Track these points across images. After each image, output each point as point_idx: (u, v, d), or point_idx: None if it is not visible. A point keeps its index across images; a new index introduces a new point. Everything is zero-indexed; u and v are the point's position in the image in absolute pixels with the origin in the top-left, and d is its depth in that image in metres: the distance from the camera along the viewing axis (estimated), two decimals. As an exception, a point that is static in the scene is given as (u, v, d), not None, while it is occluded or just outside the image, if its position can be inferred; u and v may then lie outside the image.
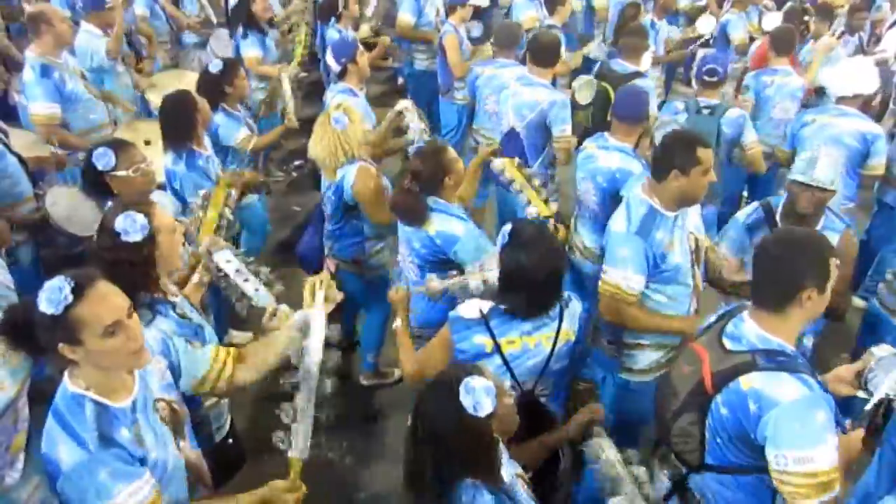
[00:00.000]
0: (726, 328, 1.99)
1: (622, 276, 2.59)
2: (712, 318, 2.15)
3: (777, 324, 1.89)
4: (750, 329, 1.92)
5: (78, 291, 1.61)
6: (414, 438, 1.68)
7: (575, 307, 2.32)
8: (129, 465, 1.68)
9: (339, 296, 2.21)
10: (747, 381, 1.82)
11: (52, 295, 1.59)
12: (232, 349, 2.20)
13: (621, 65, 4.59)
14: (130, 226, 2.07)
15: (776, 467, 1.76)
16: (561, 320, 2.26)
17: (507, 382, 2.24)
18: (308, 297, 2.22)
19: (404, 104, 3.87)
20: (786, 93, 4.64)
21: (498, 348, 2.23)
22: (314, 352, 2.11)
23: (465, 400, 1.60)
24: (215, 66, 3.96)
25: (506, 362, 2.24)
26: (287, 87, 4.68)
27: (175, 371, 2.05)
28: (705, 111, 4.01)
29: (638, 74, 4.47)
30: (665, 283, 2.66)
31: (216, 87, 3.94)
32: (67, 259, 3.18)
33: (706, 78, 4.06)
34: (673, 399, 2.05)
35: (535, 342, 2.25)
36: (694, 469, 2.03)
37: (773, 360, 1.83)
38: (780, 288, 1.87)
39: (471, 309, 2.29)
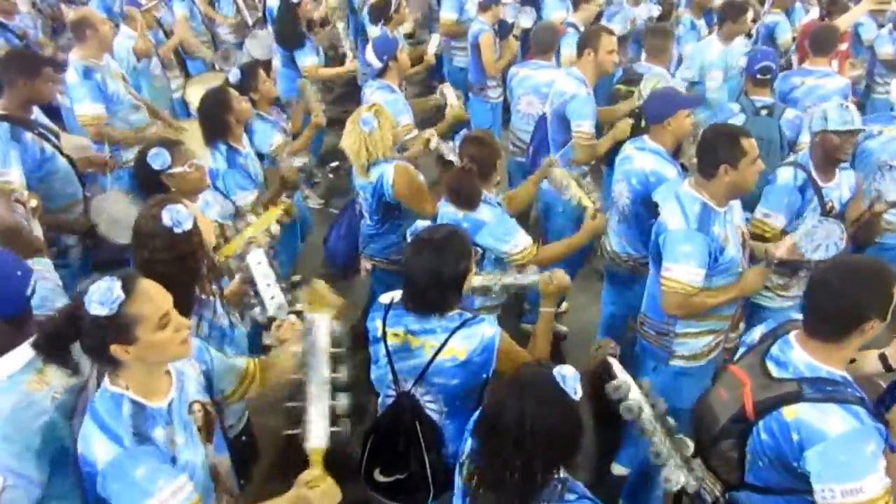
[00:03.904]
0: (771, 351, 1.93)
1: (686, 272, 2.59)
2: (755, 338, 2.09)
3: (831, 352, 1.84)
4: (798, 357, 1.87)
5: (127, 289, 1.65)
6: (516, 439, 1.63)
7: (480, 331, 2.20)
8: (164, 463, 1.69)
9: (338, 302, 2.21)
10: (792, 411, 1.78)
11: (104, 297, 1.62)
12: (259, 362, 2.21)
13: (645, 67, 4.46)
14: (178, 216, 2.09)
15: (823, 500, 1.71)
16: (452, 335, 2.18)
17: (389, 376, 2.29)
18: (306, 305, 2.18)
19: (430, 132, 3.84)
20: (818, 96, 4.33)
21: (384, 336, 2.27)
22: (320, 351, 2.06)
23: (567, 387, 1.64)
24: (234, 76, 3.88)
25: (388, 352, 2.26)
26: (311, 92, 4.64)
27: (209, 379, 2.06)
28: (763, 112, 3.89)
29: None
30: (718, 275, 2.69)
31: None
32: (118, 264, 3.20)
33: (759, 76, 3.95)
34: (712, 424, 2.02)
35: (418, 345, 2.22)
36: (733, 486, 1.99)
37: (821, 389, 1.78)
38: (842, 320, 1.81)
39: (387, 296, 2.34)
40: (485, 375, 2.23)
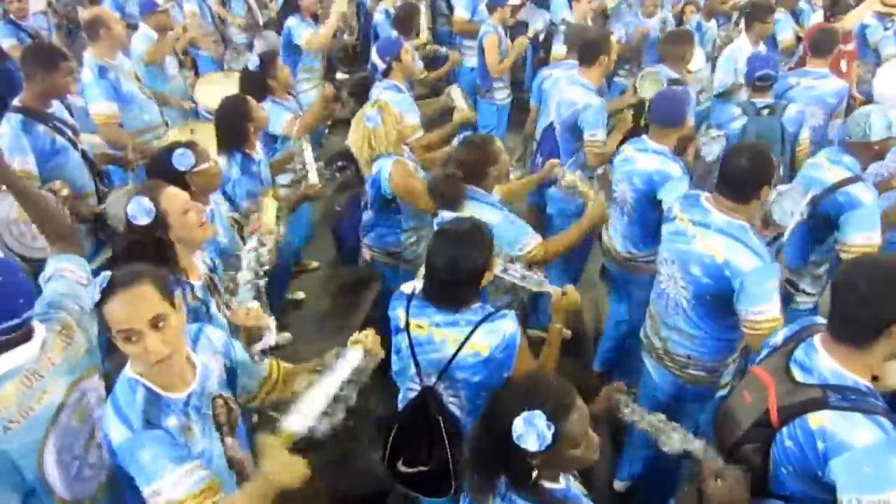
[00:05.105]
0: (795, 354, 1.90)
1: (777, 307, 2.43)
2: (778, 340, 2.05)
3: (857, 358, 1.79)
4: (824, 362, 1.82)
5: (108, 290, 1.67)
6: (484, 428, 1.67)
7: (502, 326, 2.18)
8: (175, 448, 1.73)
9: (381, 354, 2.18)
10: (817, 420, 1.74)
11: (92, 288, 1.70)
12: (282, 369, 2.25)
13: (663, 70, 4.44)
14: (138, 210, 2.17)
15: None
16: (476, 328, 2.18)
17: (412, 369, 2.29)
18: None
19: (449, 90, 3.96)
20: (812, 97, 4.36)
21: (407, 326, 2.27)
22: (339, 370, 2.04)
23: (517, 427, 1.55)
24: (253, 64, 4.01)
25: (411, 344, 2.27)
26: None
27: (231, 375, 2.07)
28: (765, 111, 3.89)
29: (677, 82, 4.36)
30: None
31: (260, 82, 3.99)
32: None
33: (758, 83, 3.96)
34: (734, 428, 1.99)
35: (441, 337, 2.22)
36: (755, 494, 1.95)
37: (847, 398, 1.74)
38: (869, 324, 1.76)
39: (409, 285, 2.35)
40: (505, 374, 2.21)
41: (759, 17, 5.13)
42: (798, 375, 1.85)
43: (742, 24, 5.66)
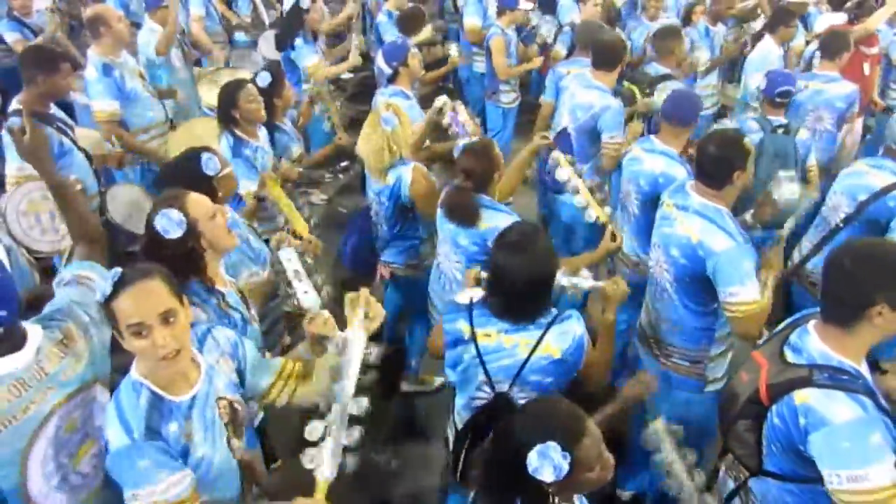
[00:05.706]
0: (790, 338, 1.94)
1: (754, 289, 2.44)
2: (780, 326, 2.09)
3: (844, 340, 1.82)
4: (813, 343, 1.87)
5: (119, 285, 1.66)
6: (496, 457, 1.64)
7: (571, 327, 2.19)
8: (171, 458, 1.71)
9: (382, 313, 2.15)
10: (801, 396, 1.79)
11: (102, 284, 1.68)
12: (298, 365, 2.19)
13: (654, 67, 4.46)
14: (168, 224, 2.10)
15: (830, 486, 1.71)
16: (546, 331, 2.17)
17: (480, 377, 2.25)
18: (349, 314, 2.15)
19: (442, 100, 3.64)
20: (821, 100, 4.34)
21: (473, 337, 2.22)
22: (350, 374, 2.04)
23: (531, 460, 1.50)
24: (264, 80, 3.73)
25: (479, 354, 2.23)
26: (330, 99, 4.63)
27: (241, 375, 2.04)
28: (779, 130, 3.85)
29: (669, 77, 4.35)
30: None
31: (267, 100, 3.74)
32: (129, 256, 3.21)
33: (778, 99, 3.89)
34: (733, 405, 2.03)
35: (513, 343, 2.19)
36: (753, 473, 1.99)
37: (833, 377, 1.78)
38: (850, 303, 1.78)
39: (464, 296, 2.31)
40: (574, 374, 2.23)
41: (783, 20, 5.19)
42: (789, 356, 1.90)
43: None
